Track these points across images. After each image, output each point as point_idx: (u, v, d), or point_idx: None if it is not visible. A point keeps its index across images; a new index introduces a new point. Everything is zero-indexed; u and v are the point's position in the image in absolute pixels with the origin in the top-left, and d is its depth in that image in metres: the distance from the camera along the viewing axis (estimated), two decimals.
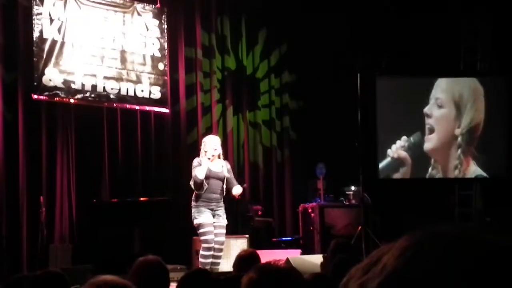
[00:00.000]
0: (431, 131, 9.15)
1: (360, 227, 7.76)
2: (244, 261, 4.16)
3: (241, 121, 9.61)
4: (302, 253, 7.67)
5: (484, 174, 9.18)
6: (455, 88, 9.21)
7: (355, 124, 8.37)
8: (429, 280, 0.62)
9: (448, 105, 9.16)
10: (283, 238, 8.99)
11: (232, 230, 7.70)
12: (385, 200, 8.84)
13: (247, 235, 7.66)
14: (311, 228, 8.53)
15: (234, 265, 4.27)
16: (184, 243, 7.64)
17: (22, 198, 7.65)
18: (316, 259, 6.08)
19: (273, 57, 9.93)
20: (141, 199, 7.87)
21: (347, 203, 8.72)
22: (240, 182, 7.13)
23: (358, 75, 8.36)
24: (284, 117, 9.90)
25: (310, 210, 8.61)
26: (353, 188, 8.71)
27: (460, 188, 9.40)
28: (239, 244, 7.33)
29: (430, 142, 9.15)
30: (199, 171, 6.22)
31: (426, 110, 9.11)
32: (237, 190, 6.45)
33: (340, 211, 8.63)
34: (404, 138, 9.13)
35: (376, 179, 9.02)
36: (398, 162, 9.15)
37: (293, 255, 7.22)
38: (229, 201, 7.33)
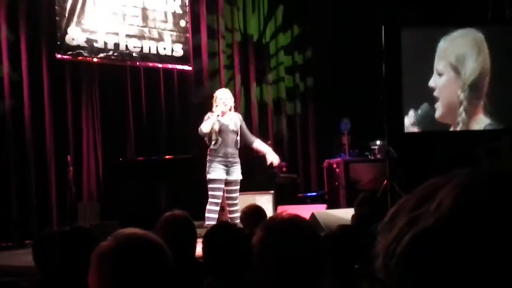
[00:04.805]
0: (437, 99, 9.05)
1: (385, 181, 7.73)
2: (249, 216, 4.23)
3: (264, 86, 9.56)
4: (328, 208, 7.70)
5: (492, 125, 9.08)
6: (449, 52, 9.01)
7: (380, 78, 8.26)
8: (494, 224, 0.56)
9: (446, 71, 9.00)
10: (308, 194, 9.01)
11: (257, 186, 7.73)
12: (410, 154, 8.77)
13: (272, 191, 7.69)
14: (336, 183, 8.53)
15: (242, 222, 4.34)
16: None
17: (50, 158, 7.76)
18: (342, 213, 6.11)
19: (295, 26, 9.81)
20: (166, 156, 7.93)
21: (372, 158, 8.68)
22: (265, 140, 7.13)
23: (383, 27, 8.21)
24: (309, 73, 9.81)
25: (335, 166, 8.60)
26: (378, 142, 8.65)
27: (487, 140, 9.26)
28: (265, 200, 7.37)
29: (437, 110, 9.08)
30: (204, 125, 6.18)
31: (430, 83, 8.99)
32: (272, 158, 6.44)
33: (365, 165, 8.59)
34: (411, 113, 8.99)
35: (402, 133, 8.93)
36: None
37: (319, 210, 7.25)
38: (253, 158, 7.35)
